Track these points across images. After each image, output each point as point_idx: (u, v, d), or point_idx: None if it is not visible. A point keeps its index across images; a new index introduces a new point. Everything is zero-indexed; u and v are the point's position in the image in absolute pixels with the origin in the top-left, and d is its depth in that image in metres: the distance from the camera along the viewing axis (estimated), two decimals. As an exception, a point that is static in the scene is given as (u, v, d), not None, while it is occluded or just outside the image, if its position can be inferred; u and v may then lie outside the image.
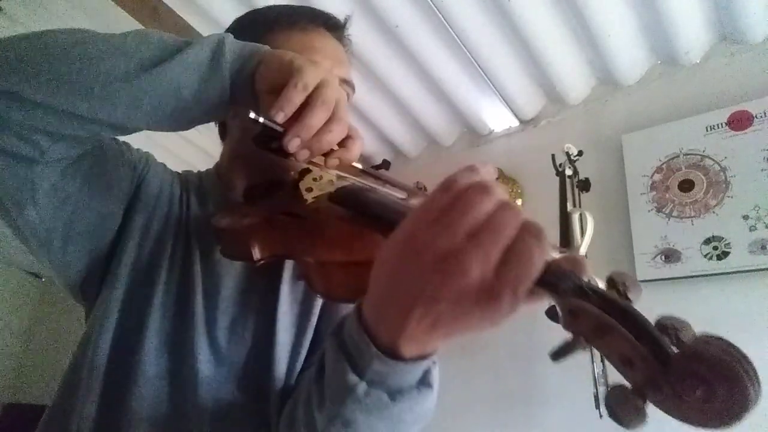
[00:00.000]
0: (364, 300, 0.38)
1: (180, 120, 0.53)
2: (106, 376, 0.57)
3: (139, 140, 0.63)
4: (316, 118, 0.47)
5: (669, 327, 0.28)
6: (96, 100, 0.48)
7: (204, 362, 0.59)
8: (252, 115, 0.47)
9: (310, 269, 0.47)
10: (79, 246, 0.61)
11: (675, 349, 0.27)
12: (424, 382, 0.41)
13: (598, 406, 1.46)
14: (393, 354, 0.36)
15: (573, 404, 1.58)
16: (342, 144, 0.51)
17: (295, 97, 0.47)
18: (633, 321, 0.28)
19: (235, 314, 0.64)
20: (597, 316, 0.29)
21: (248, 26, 0.72)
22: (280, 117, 0.47)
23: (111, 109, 0.49)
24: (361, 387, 0.38)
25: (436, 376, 0.42)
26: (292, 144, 0.47)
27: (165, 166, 0.74)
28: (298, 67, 0.48)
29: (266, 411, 0.60)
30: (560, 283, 0.31)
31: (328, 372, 0.43)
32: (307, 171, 0.65)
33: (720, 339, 0.26)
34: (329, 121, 0.48)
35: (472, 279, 0.30)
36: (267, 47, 0.54)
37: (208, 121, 0.56)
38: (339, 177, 0.62)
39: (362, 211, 0.51)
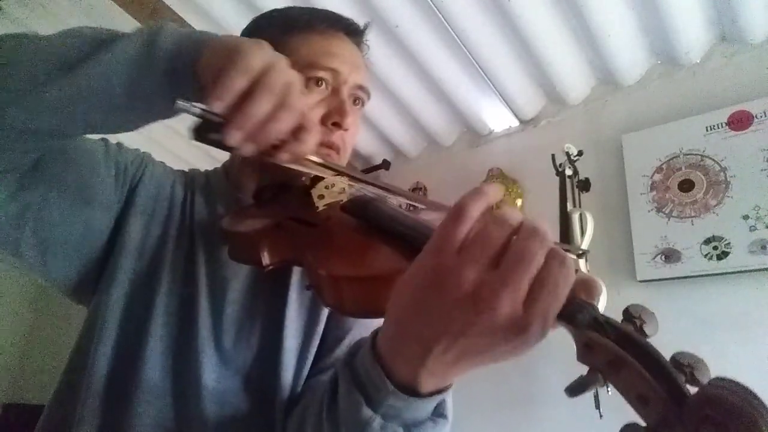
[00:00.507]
0: (381, 331, 0.37)
1: (122, 120, 0.50)
2: (107, 383, 0.56)
3: (138, 139, 0.62)
4: (259, 106, 0.42)
5: (684, 365, 0.28)
6: (25, 106, 0.45)
7: (208, 367, 0.58)
8: (180, 103, 0.42)
9: (321, 281, 0.46)
10: (61, 256, 0.59)
11: (690, 388, 0.27)
12: (439, 413, 0.41)
13: (598, 406, 1.46)
14: (410, 389, 0.36)
15: (573, 404, 1.57)
16: (295, 135, 0.46)
17: (235, 83, 0.41)
18: (649, 357, 0.28)
19: (242, 318, 0.63)
20: (612, 350, 0.29)
21: (266, 27, 0.71)
22: (218, 106, 0.42)
23: (43, 114, 0.46)
24: (377, 421, 0.38)
25: (450, 406, 0.42)
26: (233, 137, 0.42)
27: (164, 165, 0.72)
28: (241, 50, 0.43)
29: (272, 418, 0.58)
30: (577, 315, 0.30)
31: (341, 404, 0.42)
32: (320, 178, 0.63)
33: (736, 383, 0.25)
34: (276, 109, 0.43)
35: (501, 314, 0.29)
36: (215, 34, 0.49)
37: (164, 118, 0.51)
38: (351, 185, 0.61)
39: (374, 224, 0.50)
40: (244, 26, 0.75)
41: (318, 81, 0.66)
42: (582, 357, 0.30)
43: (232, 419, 0.57)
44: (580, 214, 1.63)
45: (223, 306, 0.62)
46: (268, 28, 0.71)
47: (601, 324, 0.30)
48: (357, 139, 0.74)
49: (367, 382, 0.38)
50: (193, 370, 0.57)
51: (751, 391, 0.25)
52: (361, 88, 0.71)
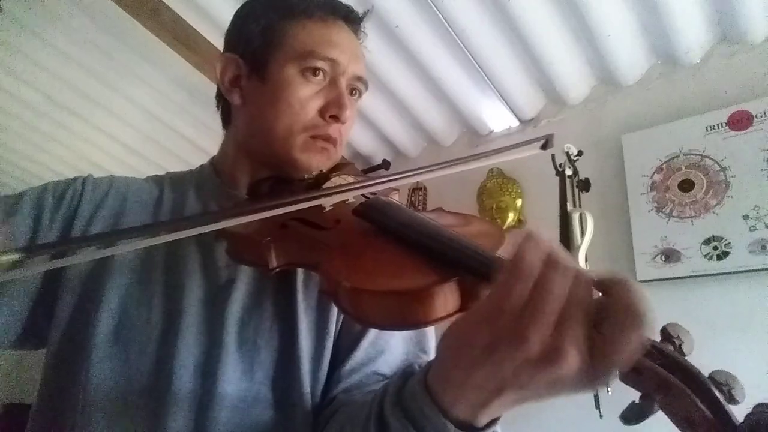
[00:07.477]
0: (435, 374, 0.37)
1: None
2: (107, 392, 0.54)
3: (138, 139, 0.62)
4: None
5: (723, 383, 0.29)
6: None
7: (222, 375, 0.54)
8: None
9: (342, 292, 0.43)
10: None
11: (729, 406, 0.28)
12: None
13: (598, 406, 1.46)
14: (467, 425, 0.36)
15: (573, 404, 1.57)
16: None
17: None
18: (696, 381, 0.29)
19: (245, 320, 0.59)
20: (662, 375, 0.29)
21: (263, 11, 0.68)
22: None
23: None
24: None
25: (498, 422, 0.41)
26: None
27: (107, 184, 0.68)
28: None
29: (293, 425, 0.55)
30: None
31: None
32: (325, 177, 0.61)
33: None
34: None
35: (570, 371, 0.30)
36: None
37: None
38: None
39: (394, 232, 0.48)
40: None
41: (315, 71, 0.64)
42: (628, 380, 0.31)
43: (251, 427, 0.54)
44: (580, 214, 1.63)
45: (226, 307, 0.58)
46: (264, 11, 0.68)
47: (648, 348, 0.30)
48: (357, 138, 0.73)
49: (423, 422, 0.38)
50: (211, 381, 0.54)
51: None
52: (359, 79, 0.70)
